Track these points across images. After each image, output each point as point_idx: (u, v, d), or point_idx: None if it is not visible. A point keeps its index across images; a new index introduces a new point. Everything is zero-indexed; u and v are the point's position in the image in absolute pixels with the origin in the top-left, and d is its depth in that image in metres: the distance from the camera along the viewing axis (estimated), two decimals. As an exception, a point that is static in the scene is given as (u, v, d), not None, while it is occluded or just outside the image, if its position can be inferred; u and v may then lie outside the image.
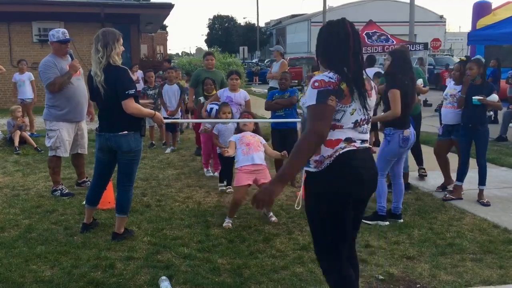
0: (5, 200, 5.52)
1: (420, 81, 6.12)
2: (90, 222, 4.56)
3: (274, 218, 4.81)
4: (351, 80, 2.51)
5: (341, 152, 2.50)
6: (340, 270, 2.63)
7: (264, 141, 4.98)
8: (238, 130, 5.13)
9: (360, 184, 2.57)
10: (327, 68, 2.58)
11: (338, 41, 2.55)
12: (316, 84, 2.47)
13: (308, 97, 2.49)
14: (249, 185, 4.75)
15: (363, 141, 2.61)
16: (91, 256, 3.96)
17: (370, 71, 10.07)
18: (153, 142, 9.10)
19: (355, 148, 2.55)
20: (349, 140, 2.55)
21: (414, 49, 16.24)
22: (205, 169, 6.79)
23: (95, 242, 4.26)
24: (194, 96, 7.75)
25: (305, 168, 2.57)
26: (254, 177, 4.68)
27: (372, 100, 2.67)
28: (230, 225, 4.64)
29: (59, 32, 5.52)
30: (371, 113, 2.67)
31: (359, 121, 2.57)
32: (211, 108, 6.13)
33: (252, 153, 4.71)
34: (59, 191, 5.67)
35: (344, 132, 2.54)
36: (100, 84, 4.01)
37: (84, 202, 4.70)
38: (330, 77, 2.49)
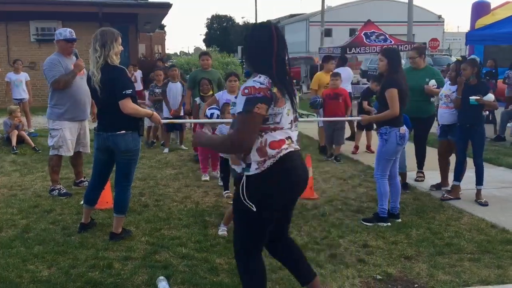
0: (2, 200, 5.50)
1: (432, 82, 6.04)
2: (88, 222, 4.55)
3: None
4: (278, 83, 2.57)
5: (284, 153, 2.59)
6: (255, 269, 2.79)
7: None
8: None
9: (296, 187, 2.70)
10: (255, 71, 2.63)
11: (263, 45, 2.61)
12: (246, 91, 2.50)
13: (238, 104, 2.53)
14: None
15: (295, 141, 2.72)
16: (88, 256, 3.96)
17: (342, 70, 10.33)
18: (154, 141, 9.06)
19: (293, 149, 2.66)
20: (290, 140, 2.65)
21: (410, 49, 16.26)
22: (202, 174, 6.59)
23: (92, 242, 4.25)
24: (192, 98, 7.70)
25: (245, 173, 2.60)
26: None
27: (297, 98, 2.74)
28: (226, 233, 4.46)
29: (66, 31, 5.52)
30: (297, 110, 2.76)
31: (292, 119, 2.68)
32: (212, 114, 5.93)
33: None
34: (57, 191, 5.66)
35: (285, 132, 2.63)
36: (97, 83, 4.00)
37: (82, 202, 4.69)
38: (261, 83, 2.52)
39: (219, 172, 6.30)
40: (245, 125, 2.49)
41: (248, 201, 2.57)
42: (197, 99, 6.96)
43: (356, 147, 8.47)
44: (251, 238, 2.74)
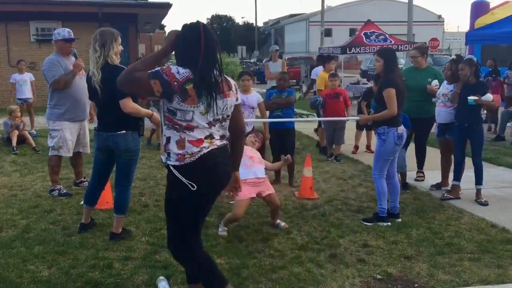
0: (2, 200, 5.50)
1: (435, 82, 6.04)
2: (88, 222, 4.55)
3: (283, 224, 4.69)
4: (200, 82, 2.62)
5: (205, 152, 2.68)
6: (191, 255, 2.89)
7: (262, 159, 4.83)
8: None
9: (216, 182, 2.80)
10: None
11: (190, 44, 2.68)
12: (164, 67, 2.66)
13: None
14: (253, 198, 4.61)
15: (221, 138, 2.79)
16: (89, 256, 3.96)
17: (321, 69, 10.51)
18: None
19: (216, 146, 2.73)
20: (210, 138, 2.72)
21: (412, 49, 16.27)
22: None
23: (93, 242, 4.25)
24: None
25: (168, 162, 2.75)
26: (257, 190, 4.54)
27: (230, 100, 2.80)
28: (226, 233, 4.47)
29: (64, 31, 5.52)
30: (229, 112, 2.82)
31: (213, 121, 2.72)
32: None
33: (255, 167, 4.58)
34: (57, 191, 5.66)
35: (202, 131, 2.69)
36: (97, 83, 4.01)
37: (82, 202, 4.69)
38: (178, 72, 2.62)
39: None
40: (139, 79, 2.64)
41: (188, 181, 2.68)
42: None
43: (356, 147, 8.47)
44: (183, 223, 2.86)
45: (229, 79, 2.88)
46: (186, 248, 2.89)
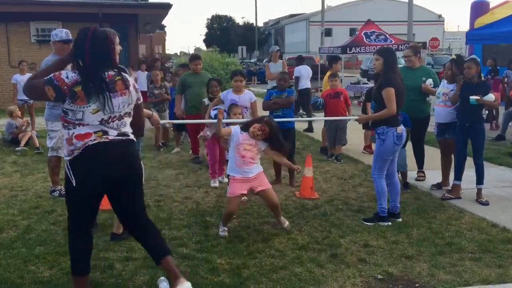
0: (3, 201, 5.51)
1: (429, 81, 6.04)
2: (89, 222, 4.55)
3: (287, 224, 4.66)
4: (87, 83, 2.82)
5: (90, 144, 2.87)
6: (75, 243, 3.17)
7: (264, 146, 4.55)
8: (246, 128, 4.58)
9: (107, 171, 2.93)
10: (75, 69, 2.91)
11: (78, 46, 2.91)
12: (56, 74, 2.87)
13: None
14: (243, 194, 4.58)
15: (119, 135, 2.97)
16: (89, 256, 3.95)
17: (302, 68, 11.47)
18: (164, 142, 9.03)
19: (107, 140, 2.91)
20: (101, 133, 2.91)
21: (405, 48, 16.29)
22: (211, 180, 6.29)
23: (93, 243, 4.23)
24: (184, 103, 7.51)
25: (65, 158, 2.99)
26: (249, 186, 4.49)
27: (127, 98, 3.00)
28: (227, 233, 4.47)
29: (62, 32, 5.52)
30: (127, 110, 3.03)
31: (106, 119, 2.91)
32: (216, 114, 5.68)
33: (245, 167, 4.46)
34: (57, 192, 5.66)
35: (93, 127, 2.89)
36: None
37: (82, 203, 4.69)
38: (67, 77, 2.83)
39: (224, 178, 6.25)
40: (36, 87, 2.90)
41: (73, 178, 2.92)
42: (205, 100, 6.66)
43: (369, 146, 8.37)
44: (70, 213, 3.15)
45: (129, 78, 3.05)
46: (77, 238, 3.16)
